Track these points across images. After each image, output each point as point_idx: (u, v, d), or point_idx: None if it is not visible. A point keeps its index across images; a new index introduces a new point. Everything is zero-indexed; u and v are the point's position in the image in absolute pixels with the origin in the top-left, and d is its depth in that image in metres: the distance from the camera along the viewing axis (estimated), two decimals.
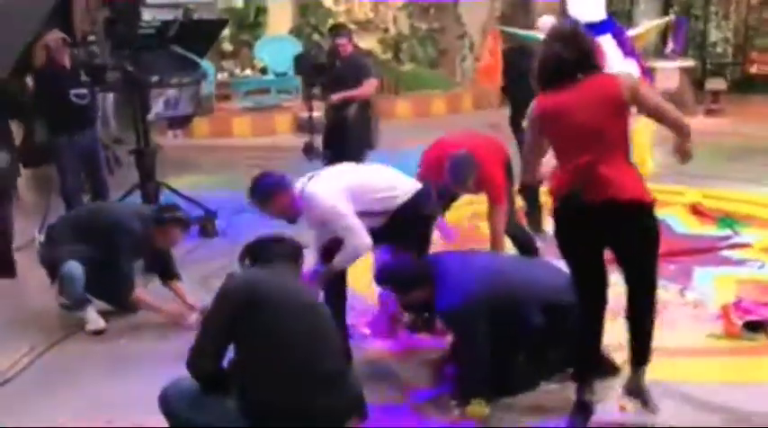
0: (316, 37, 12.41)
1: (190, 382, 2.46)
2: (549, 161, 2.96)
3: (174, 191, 5.37)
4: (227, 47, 11.08)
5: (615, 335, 3.41)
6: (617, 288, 3.00)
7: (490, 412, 2.98)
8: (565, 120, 2.73)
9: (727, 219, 5.23)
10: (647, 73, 5.33)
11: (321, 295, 3.23)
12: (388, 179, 3.61)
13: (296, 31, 11.77)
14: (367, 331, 3.79)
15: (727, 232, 5.06)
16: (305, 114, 7.43)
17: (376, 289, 3.74)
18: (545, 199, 5.11)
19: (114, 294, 4.13)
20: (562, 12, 11.84)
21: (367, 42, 12.65)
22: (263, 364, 2.37)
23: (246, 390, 2.39)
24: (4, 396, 3.32)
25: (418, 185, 3.59)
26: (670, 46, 10.31)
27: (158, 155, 5.55)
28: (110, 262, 3.97)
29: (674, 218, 5.30)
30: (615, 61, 4.64)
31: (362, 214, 3.34)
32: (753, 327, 3.54)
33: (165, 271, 4.23)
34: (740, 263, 4.58)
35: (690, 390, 3.11)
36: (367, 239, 3.29)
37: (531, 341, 3.08)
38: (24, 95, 5.31)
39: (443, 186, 3.84)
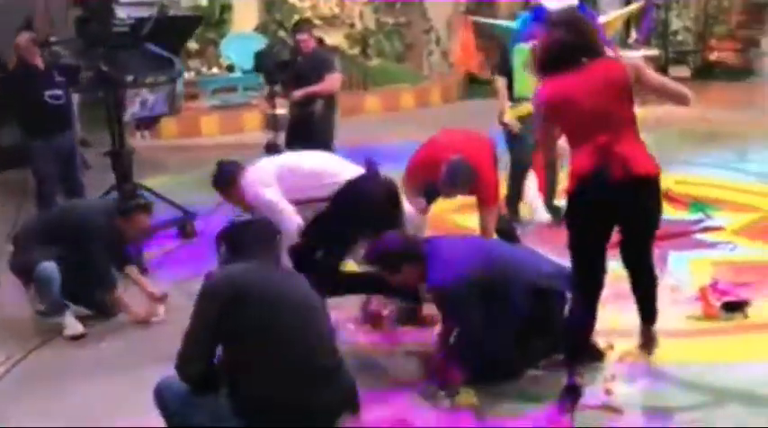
0: (281, 33, 12.32)
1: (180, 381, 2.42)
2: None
3: (152, 192, 5.29)
4: (194, 45, 10.93)
5: (599, 321, 3.49)
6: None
7: (478, 401, 3.00)
8: (574, 104, 2.81)
9: (698, 204, 5.33)
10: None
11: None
12: (333, 166, 3.67)
13: (261, 28, 11.68)
14: (351, 326, 3.79)
15: (699, 216, 5.16)
16: (271, 112, 7.38)
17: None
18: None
19: (91, 296, 4.06)
20: (525, 5, 11.96)
21: (333, 38, 12.60)
22: (254, 361, 2.33)
23: (238, 388, 2.35)
24: None
25: (362, 171, 3.66)
26: (633, 36, 10.47)
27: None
28: (84, 262, 3.90)
29: None
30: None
31: (308, 201, 3.47)
32: (730, 308, 3.62)
33: (120, 258, 4.15)
34: (713, 245, 4.68)
35: (673, 371, 3.17)
36: (293, 224, 3.45)
37: (518, 326, 3.09)
38: None
39: (432, 185, 3.88)
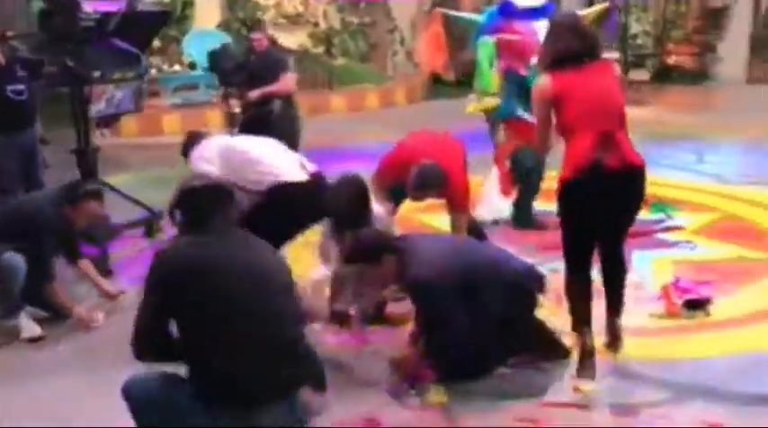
0: (244, 31, 12.21)
1: (142, 383, 2.33)
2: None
3: (117, 191, 5.18)
4: (155, 42, 10.78)
5: (564, 318, 3.53)
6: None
7: (448, 399, 3.01)
8: (581, 94, 3.04)
9: (658, 204, 5.42)
10: None
11: None
12: (277, 161, 3.68)
13: (224, 26, 11.56)
14: (317, 327, 3.76)
15: (660, 216, 5.26)
16: (228, 110, 7.28)
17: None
18: None
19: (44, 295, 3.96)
20: (490, 1, 12.05)
21: (297, 37, 12.55)
22: (211, 339, 2.18)
23: (197, 369, 2.23)
24: None
25: (306, 177, 3.70)
26: None
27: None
28: (37, 258, 3.79)
29: None
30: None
31: (244, 189, 3.46)
32: (692, 306, 3.69)
33: (71, 252, 4.05)
34: (674, 245, 4.78)
35: (638, 368, 3.22)
36: None
37: (490, 324, 3.10)
38: None
39: (401, 188, 3.87)
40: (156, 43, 10.81)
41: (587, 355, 3.12)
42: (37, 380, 3.37)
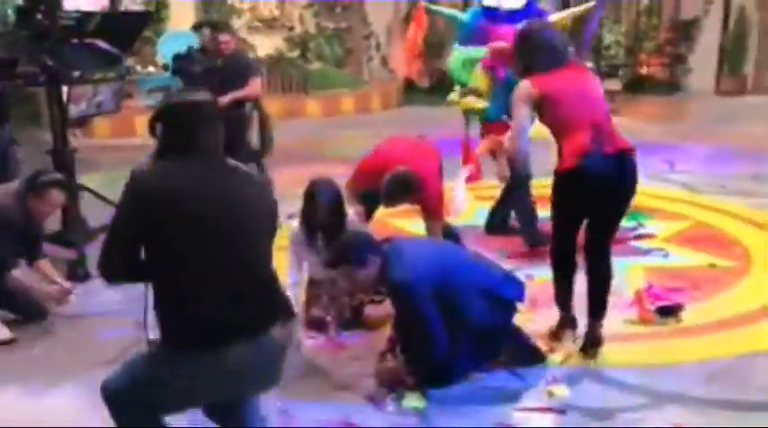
0: (207, 32, 12.12)
1: (116, 380, 2.22)
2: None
3: (96, 194, 5.09)
4: None
5: (539, 324, 3.56)
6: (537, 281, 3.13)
7: (425, 403, 3.01)
8: (569, 92, 3.21)
9: (631, 212, 5.48)
10: None
11: None
12: None
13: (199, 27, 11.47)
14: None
15: (634, 224, 5.32)
16: None
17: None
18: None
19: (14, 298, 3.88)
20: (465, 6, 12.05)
21: (273, 41, 12.51)
22: (183, 272, 2.05)
23: (166, 303, 2.09)
24: None
25: None
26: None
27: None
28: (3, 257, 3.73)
29: None
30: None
31: None
32: (664, 312, 3.74)
33: (31, 252, 3.99)
34: (647, 252, 4.84)
35: (612, 373, 3.25)
36: None
37: (470, 330, 3.10)
38: None
39: (376, 193, 3.87)
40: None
41: (569, 323, 3.46)
42: (11, 384, 3.31)
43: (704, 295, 4.11)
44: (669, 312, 3.74)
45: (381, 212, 4.52)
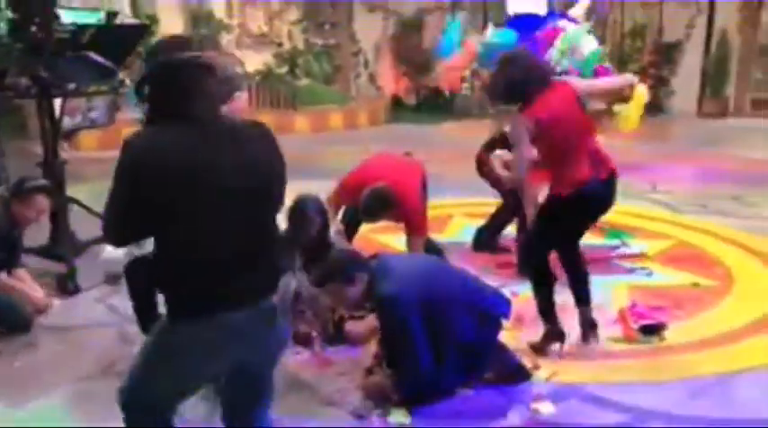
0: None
1: (130, 375, 2.18)
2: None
3: (84, 206, 5.07)
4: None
5: (523, 341, 3.59)
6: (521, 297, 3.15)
7: (410, 420, 3.01)
8: (563, 117, 3.31)
9: (614, 231, 5.56)
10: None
11: None
12: None
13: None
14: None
15: (616, 242, 5.38)
16: None
17: None
18: None
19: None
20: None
21: (262, 56, 12.57)
22: (182, 241, 1.97)
23: (167, 268, 2.02)
24: None
25: None
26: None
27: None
28: None
29: None
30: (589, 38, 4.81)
31: None
32: (647, 331, 3.78)
33: (10, 260, 3.98)
34: (631, 271, 4.89)
35: (596, 390, 3.27)
36: None
37: (455, 346, 3.12)
38: None
39: (356, 210, 3.92)
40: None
41: (557, 336, 3.55)
42: None
43: (687, 314, 4.16)
44: (652, 330, 3.78)
45: (366, 228, 4.55)
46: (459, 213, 6.21)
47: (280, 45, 12.90)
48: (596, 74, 4.73)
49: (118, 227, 2.02)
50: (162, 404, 2.15)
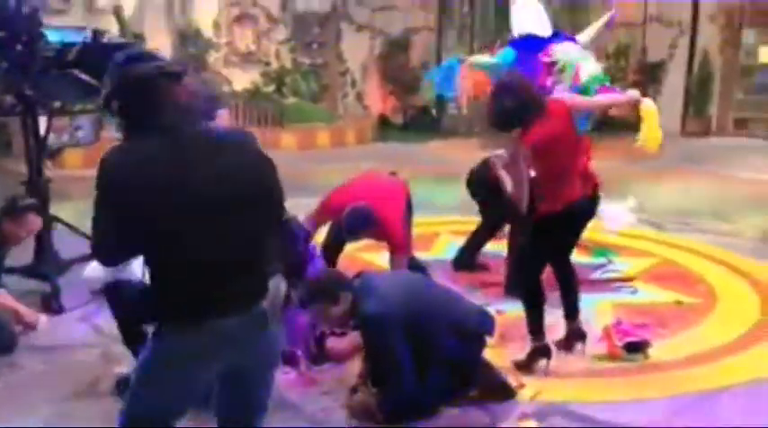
0: (196, 68, 12.20)
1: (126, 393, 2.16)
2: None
3: (68, 225, 5.04)
4: None
5: (507, 359, 3.59)
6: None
7: None
8: (557, 142, 3.42)
9: (600, 249, 5.59)
10: None
11: None
12: None
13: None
14: None
15: (602, 261, 5.41)
16: None
17: None
18: None
19: None
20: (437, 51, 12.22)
21: (249, 75, 12.63)
22: (168, 255, 1.95)
23: (156, 281, 2.00)
24: None
25: None
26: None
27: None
28: None
29: None
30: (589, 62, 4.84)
31: None
32: (632, 348, 3.79)
33: None
34: (616, 289, 4.92)
35: (581, 409, 3.28)
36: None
37: (439, 364, 3.12)
38: None
39: (340, 229, 3.94)
40: None
41: (544, 353, 3.59)
42: None
43: (671, 332, 4.18)
44: (637, 348, 3.79)
45: (350, 246, 4.56)
46: (445, 231, 6.23)
47: (267, 64, 12.96)
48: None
49: (104, 246, 2.00)
50: (160, 420, 2.11)
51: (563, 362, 3.68)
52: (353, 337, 3.48)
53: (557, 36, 5.03)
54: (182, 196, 1.91)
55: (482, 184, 4.87)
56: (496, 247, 5.27)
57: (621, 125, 12.56)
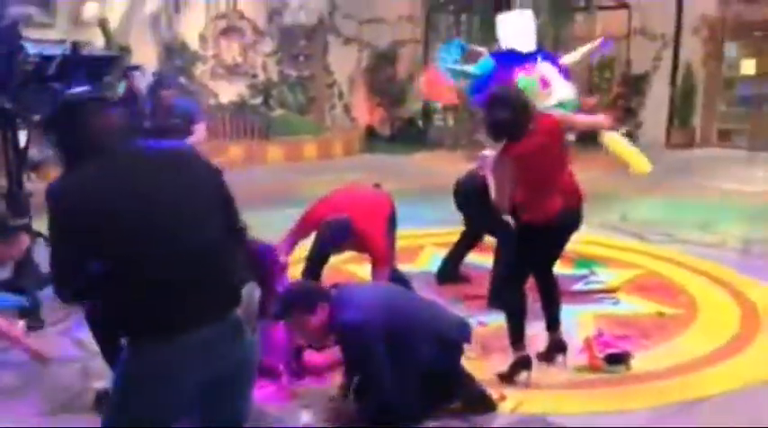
0: (182, 80, 12.20)
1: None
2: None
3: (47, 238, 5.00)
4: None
5: (489, 371, 3.60)
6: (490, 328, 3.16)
7: None
8: (539, 157, 3.50)
9: (583, 261, 5.61)
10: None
11: None
12: None
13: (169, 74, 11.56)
14: None
15: (585, 272, 5.43)
16: None
17: None
18: None
19: None
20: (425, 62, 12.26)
21: (236, 87, 12.63)
22: (129, 280, 1.95)
23: (126, 311, 1.99)
24: None
25: None
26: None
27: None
28: None
29: None
30: (559, 84, 4.87)
31: None
32: (613, 360, 3.81)
33: None
34: (598, 300, 4.93)
35: (561, 420, 3.28)
36: None
37: (419, 375, 3.12)
38: None
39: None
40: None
41: (525, 365, 3.60)
42: None
43: (653, 343, 4.20)
44: (618, 360, 3.80)
45: (335, 258, 4.56)
46: (429, 243, 6.24)
47: (254, 76, 12.98)
48: None
49: (64, 280, 2.00)
50: None
51: (544, 374, 3.69)
52: (332, 350, 3.47)
53: (539, 53, 5.09)
54: (131, 216, 1.93)
55: (468, 196, 4.90)
56: (481, 259, 5.29)
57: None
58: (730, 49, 12.66)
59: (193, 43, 12.58)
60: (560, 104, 4.77)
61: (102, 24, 11.18)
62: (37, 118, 4.39)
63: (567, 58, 5.32)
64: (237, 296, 2.13)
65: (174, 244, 1.98)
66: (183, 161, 2.10)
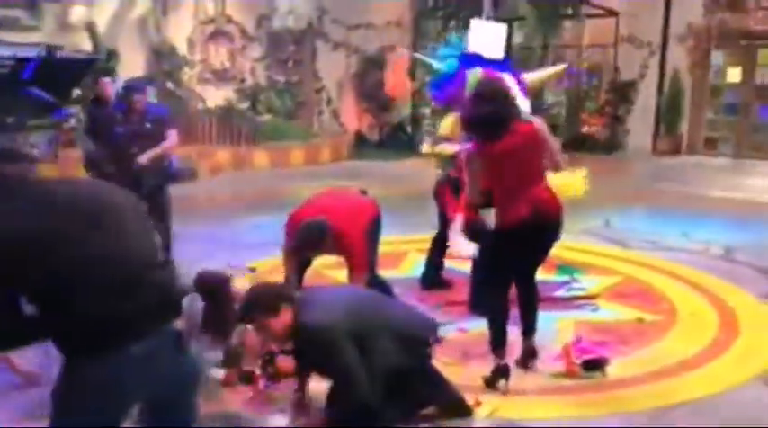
0: (170, 85, 12.21)
1: None
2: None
3: None
4: (76, 91, 10.63)
5: (467, 377, 3.60)
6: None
7: None
8: (512, 160, 3.49)
9: (565, 267, 5.62)
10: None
11: None
12: None
13: (149, 79, 11.51)
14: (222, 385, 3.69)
15: (566, 278, 5.45)
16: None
17: None
18: None
19: None
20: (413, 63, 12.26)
21: (224, 92, 12.63)
22: (67, 304, 1.93)
23: (63, 332, 1.97)
24: None
25: None
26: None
27: None
28: None
29: None
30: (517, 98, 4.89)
31: None
32: (590, 366, 3.81)
33: None
34: (578, 306, 4.95)
35: (534, 426, 3.29)
36: None
37: (388, 375, 3.10)
38: None
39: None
40: (78, 92, 10.66)
41: (504, 373, 3.59)
42: None
43: (631, 349, 4.21)
44: (595, 366, 3.81)
45: (318, 263, 4.55)
46: (414, 249, 6.24)
47: (242, 81, 12.98)
48: None
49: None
50: None
51: (520, 380, 3.69)
52: None
53: (505, 63, 5.14)
54: (55, 242, 1.92)
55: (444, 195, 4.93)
56: (462, 265, 5.29)
57: (595, 144, 12.78)
58: (716, 57, 12.76)
59: (181, 47, 12.59)
60: None
61: (90, 28, 11.16)
62: (10, 120, 4.37)
63: (530, 76, 5.39)
64: (176, 306, 2.11)
65: (87, 260, 1.95)
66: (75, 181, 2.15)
